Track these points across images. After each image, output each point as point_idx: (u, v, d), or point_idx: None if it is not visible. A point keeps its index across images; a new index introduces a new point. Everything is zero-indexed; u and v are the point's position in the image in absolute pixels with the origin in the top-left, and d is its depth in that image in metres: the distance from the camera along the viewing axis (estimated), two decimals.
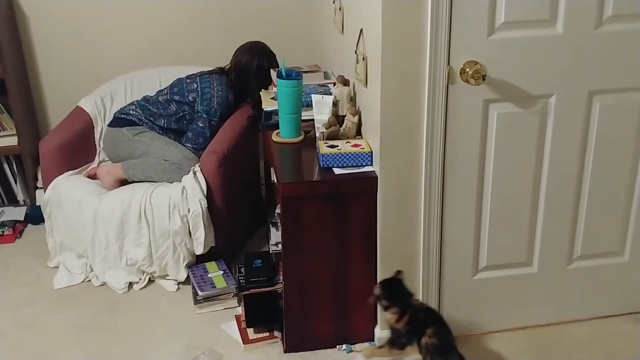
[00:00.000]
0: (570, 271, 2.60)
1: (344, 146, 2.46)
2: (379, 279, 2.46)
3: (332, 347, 2.58)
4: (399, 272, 2.33)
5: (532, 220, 2.49)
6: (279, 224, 2.64)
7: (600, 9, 2.23)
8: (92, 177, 3.17)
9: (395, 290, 2.31)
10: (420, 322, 2.27)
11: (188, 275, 2.96)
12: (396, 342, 2.32)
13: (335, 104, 2.68)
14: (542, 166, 2.42)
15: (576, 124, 2.37)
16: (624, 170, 2.48)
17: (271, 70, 3.15)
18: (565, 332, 2.62)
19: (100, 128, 3.39)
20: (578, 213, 2.51)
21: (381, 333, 2.53)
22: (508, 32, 2.20)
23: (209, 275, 2.91)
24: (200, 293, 2.80)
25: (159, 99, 3.24)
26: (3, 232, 3.42)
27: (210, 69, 3.30)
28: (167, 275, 3.01)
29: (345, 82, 2.72)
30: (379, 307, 2.50)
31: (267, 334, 2.64)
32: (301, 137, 2.72)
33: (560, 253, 2.57)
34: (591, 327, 2.64)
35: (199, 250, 2.94)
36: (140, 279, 3.01)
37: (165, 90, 3.27)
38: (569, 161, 2.43)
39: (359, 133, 2.58)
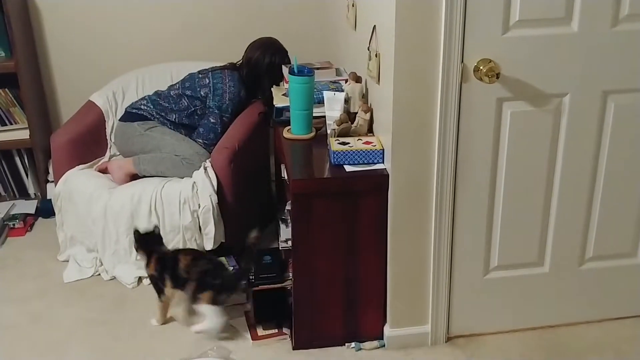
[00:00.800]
0: (582, 272, 2.58)
1: (356, 143, 2.45)
2: (388, 275, 2.46)
3: (341, 345, 2.56)
4: (155, 227, 2.70)
5: (545, 220, 2.47)
6: (289, 221, 2.63)
7: (617, 7, 2.20)
8: (103, 171, 3.18)
9: (146, 239, 2.66)
10: (169, 259, 2.59)
11: None
12: (157, 288, 2.63)
13: (347, 100, 2.67)
14: (555, 166, 2.40)
15: (590, 123, 2.35)
16: (637, 171, 2.46)
17: (283, 67, 3.15)
18: (576, 333, 2.60)
19: (112, 122, 3.40)
20: (591, 213, 2.49)
21: (390, 331, 2.52)
22: (523, 30, 2.18)
23: None
24: None
25: (171, 93, 3.24)
26: (14, 225, 3.44)
27: (222, 64, 3.29)
28: None
29: (358, 79, 2.71)
30: (388, 306, 2.50)
31: (276, 330, 2.64)
32: (312, 134, 2.71)
33: (572, 254, 2.55)
34: (603, 329, 2.62)
35: (209, 245, 2.93)
36: None
37: (177, 85, 3.27)
38: (582, 161, 2.41)
39: (370, 130, 2.57)
